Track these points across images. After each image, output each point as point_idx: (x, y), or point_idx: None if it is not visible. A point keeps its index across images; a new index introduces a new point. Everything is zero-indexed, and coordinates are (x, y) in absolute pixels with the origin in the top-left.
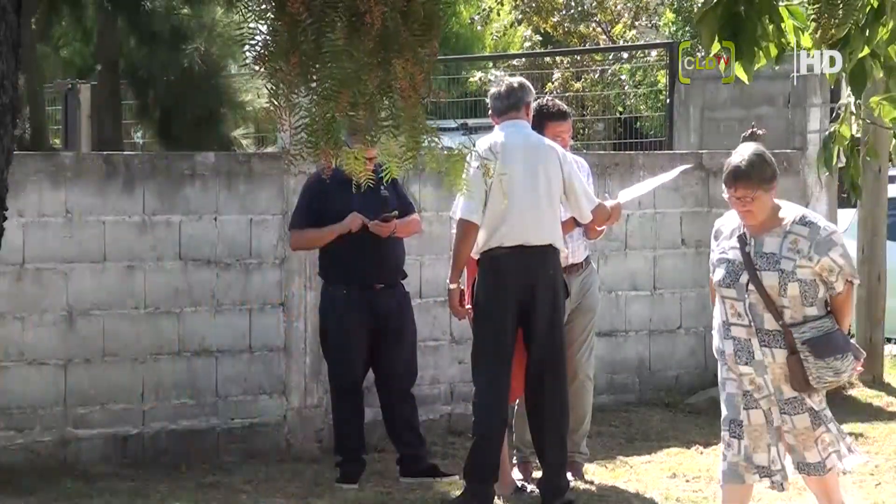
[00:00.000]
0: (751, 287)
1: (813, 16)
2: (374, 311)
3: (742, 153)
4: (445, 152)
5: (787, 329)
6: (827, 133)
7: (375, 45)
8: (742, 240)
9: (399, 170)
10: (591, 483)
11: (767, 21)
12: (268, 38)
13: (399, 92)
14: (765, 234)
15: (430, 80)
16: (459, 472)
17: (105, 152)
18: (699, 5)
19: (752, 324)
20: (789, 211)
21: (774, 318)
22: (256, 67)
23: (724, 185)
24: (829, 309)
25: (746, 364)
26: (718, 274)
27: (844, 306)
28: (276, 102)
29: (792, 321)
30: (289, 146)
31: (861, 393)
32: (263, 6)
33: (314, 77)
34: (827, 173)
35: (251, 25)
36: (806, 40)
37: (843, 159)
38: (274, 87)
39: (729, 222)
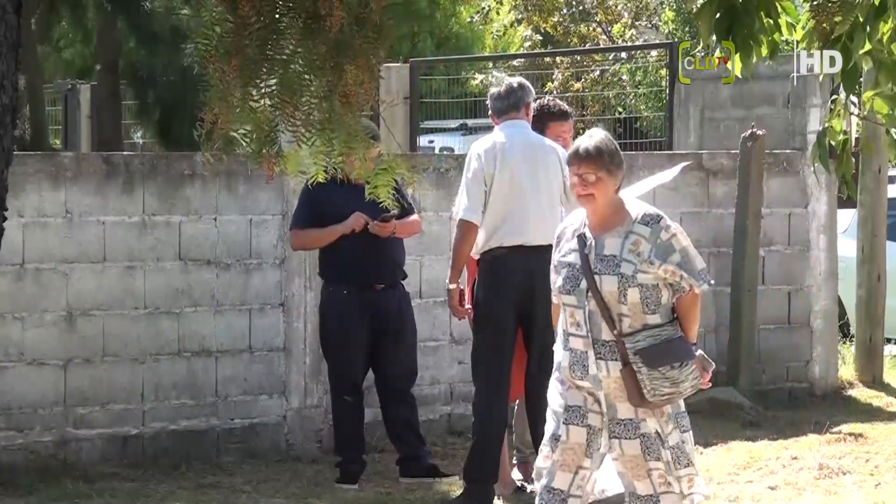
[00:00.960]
0: (591, 293)
1: (811, 13)
2: (374, 312)
3: (591, 134)
4: (374, 162)
5: (621, 339)
6: (821, 129)
7: (329, 49)
8: (582, 240)
9: (326, 173)
10: None
11: (764, 16)
12: (217, 39)
13: (339, 97)
14: (605, 235)
15: (376, 88)
16: (459, 472)
17: (105, 152)
18: (698, 5)
19: (590, 334)
20: (632, 208)
21: (610, 328)
22: (203, 67)
23: (567, 167)
24: (675, 315)
25: (582, 378)
26: (558, 279)
27: (690, 312)
28: (219, 103)
29: (630, 330)
30: (209, 148)
31: (861, 393)
32: (219, 7)
33: (256, 82)
34: (824, 171)
35: (206, 24)
36: (799, 34)
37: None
38: (219, 88)
39: (571, 224)
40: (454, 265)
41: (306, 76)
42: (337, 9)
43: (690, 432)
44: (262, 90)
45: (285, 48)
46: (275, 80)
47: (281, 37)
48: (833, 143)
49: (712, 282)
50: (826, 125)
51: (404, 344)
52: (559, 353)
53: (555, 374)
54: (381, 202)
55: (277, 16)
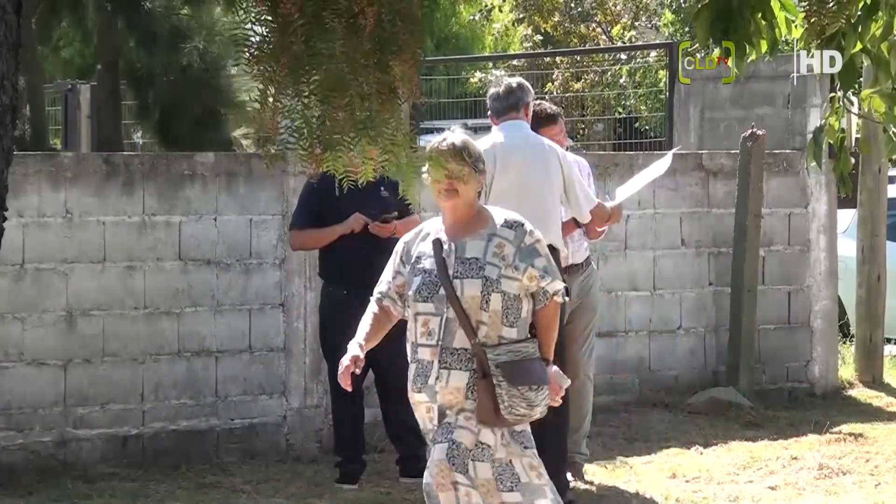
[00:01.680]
0: (449, 300)
1: (805, 11)
2: None
3: (453, 130)
4: (406, 159)
5: (481, 348)
6: (817, 127)
7: (372, 46)
8: (438, 245)
9: (375, 172)
10: (591, 483)
11: (760, 17)
12: (261, 39)
13: (376, 95)
14: (467, 237)
15: (418, 83)
16: None
17: (105, 152)
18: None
19: (440, 342)
20: (496, 213)
21: (468, 335)
22: (250, 69)
23: (428, 163)
24: (531, 334)
25: (420, 391)
26: (414, 286)
27: (552, 323)
28: (264, 104)
29: (486, 340)
30: (271, 148)
31: (861, 393)
32: (259, 7)
33: (305, 79)
34: (817, 169)
35: (247, 27)
36: (797, 32)
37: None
38: (264, 89)
39: (424, 231)
40: None
41: (349, 74)
42: (369, 6)
43: (534, 457)
44: (311, 87)
45: (331, 45)
46: (317, 78)
47: (325, 33)
48: (831, 141)
49: (567, 298)
50: (824, 123)
51: (404, 344)
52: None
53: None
54: (385, 200)
55: (320, 12)
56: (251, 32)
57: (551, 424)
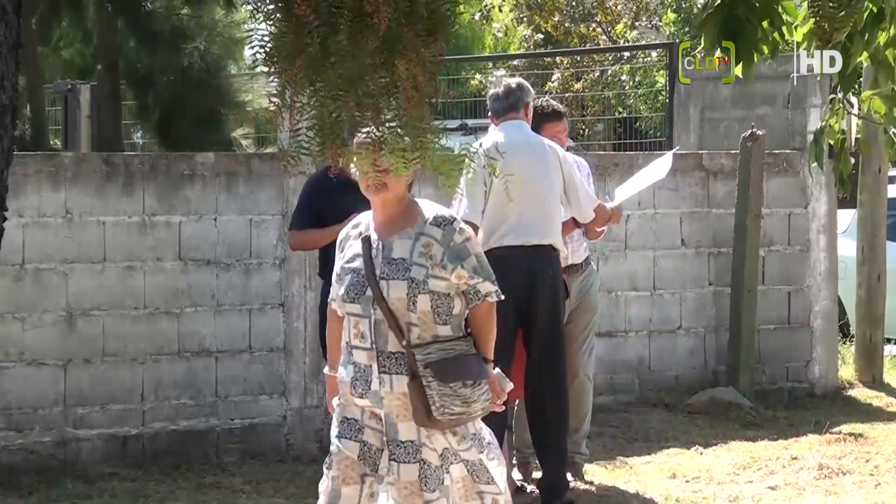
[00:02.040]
0: (377, 301)
1: (812, 17)
2: None
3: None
4: (446, 153)
5: (410, 350)
6: (818, 128)
7: (379, 45)
8: (367, 243)
9: (406, 170)
10: (591, 483)
11: (768, 24)
12: (275, 39)
13: (403, 92)
14: (395, 236)
15: (436, 81)
16: None
17: (105, 153)
18: (699, 6)
19: (375, 346)
20: (425, 209)
21: (398, 338)
22: (266, 68)
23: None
24: (468, 330)
25: (362, 396)
26: (342, 286)
27: (487, 323)
28: (278, 103)
29: (419, 341)
30: (287, 147)
31: (861, 393)
32: (271, 6)
33: (319, 78)
34: (818, 169)
35: (257, 27)
36: (799, 35)
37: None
38: (279, 88)
39: (355, 227)
40: None
41: (362, 73)
42: (382, 4)
43: (499, 457)
44: (324, 88)
45: (343, 43)
46: (335, 76)
47: (337, 33)
48: (831, 142)
49: (502, 296)
50: (824, 124)
51: None
52: (342, 369)
53: (340, 392)
54: (447, 189)
55: (333, 12)
56: (261, 32)
57: (552, 425)
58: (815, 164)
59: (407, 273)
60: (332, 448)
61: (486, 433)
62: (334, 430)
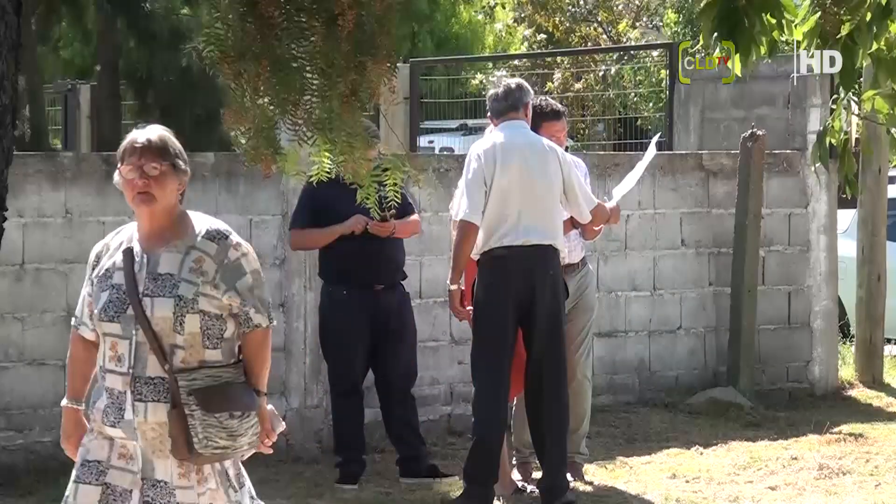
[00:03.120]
0: (138, 320)
1: (817, 10)
2: (374, 312)
3: (151, 127)
4: (373, 161)
5: (173, 375)
6: (822, 128)
7: (351, 48)
8: (129, 256)
9: (330, 172)
10: (591, 483)
11: (768, 16)
12: (236, 39)
13: (339, 96)
14: (162, 249)
15: (371, 90)
16: (459, 472)
17: (105, 152)
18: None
19: (132, 370)
20: (197, 222)
21: (160, 362)
22: (220, 67)
23: (120, 164)
24: (240, 357)
25: (114, 425)
26: (100, 302)
27: (260, 352)
28: (238, 105)
29: (183, 366)
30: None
31: (861, 393)
32: (235, 5)
33: (270, 80)
34: (824, 171)
35: (217, 25)
36: (798, 33)
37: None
38: (238, 90)
39: (117, 238)
40: (455, 266)
41: (308, 75)
42: (350, 7)
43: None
44: (262, 89)
45: (309, 47)
46: (283, 80)
47: (304, 36)
48: (834, 142)
49: (275, 322)
50: (827, 125)
51: (404, 344)
52: (95, 394)
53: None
54: (369, 206)
55: (300, 15)
56: (220, 30)
57: (551, 425)
58: (818, 164)
59: (174, 290)
60: (68, 492)
61: (248, 482)
62: (73, 475)
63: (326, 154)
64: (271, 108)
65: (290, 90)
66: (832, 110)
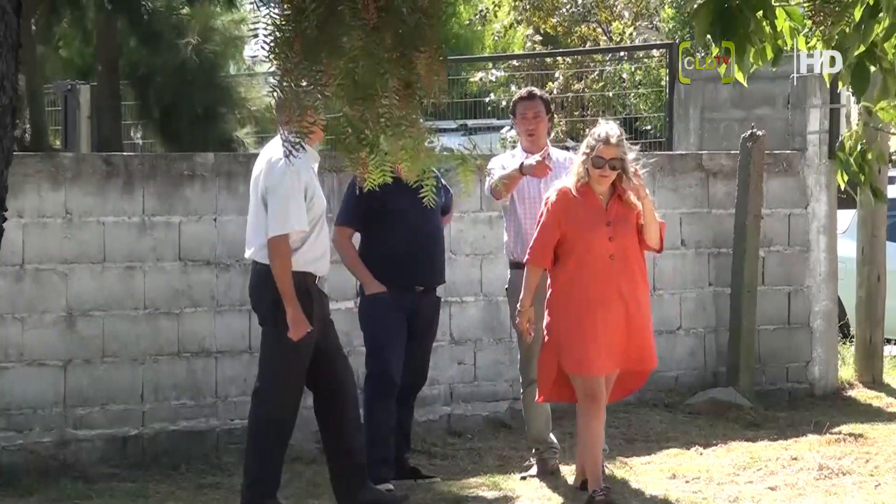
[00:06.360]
0: None
1: (809, 14)
2: (409, 314)
3: None
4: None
5: None
6: (839, 143)
7: (393, 41)
8: None
9: (410, 172)
10: None
11: (762, 18)
12: (274, 28)
13: (395, 93)
14: None
15: (445, 79)
16: (459, 472)
17: (105, 153)
18: (696, 5)
19: None
20: None
21: None
22: (268, 58)
23: None
24: None
25: None
26: None
27: None
28: (282, 92)
29: None
30: (288, 136)
31: (861, 393)
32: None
33: (321, 69)
34: (842, 178)
35: (261, 20)
36: (802, 42)
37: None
38: (280, 76)
39: None
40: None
41: (371, 71)
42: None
43: None
44: (328, 83)
45: (351, 41)
46: (340, 81)
47: (337, 18)
48: (849, 147)
49: None
50: (844, 139)
51: (423, 349)
52: None
53: None
54: (423, 196)
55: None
56: (266, 25)
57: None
58: (841, 172)
59: None
60: None
61: None
62: None
63: (387, 154)
64: (343, 105)
65: (358, 89)
66: (836, 118)
